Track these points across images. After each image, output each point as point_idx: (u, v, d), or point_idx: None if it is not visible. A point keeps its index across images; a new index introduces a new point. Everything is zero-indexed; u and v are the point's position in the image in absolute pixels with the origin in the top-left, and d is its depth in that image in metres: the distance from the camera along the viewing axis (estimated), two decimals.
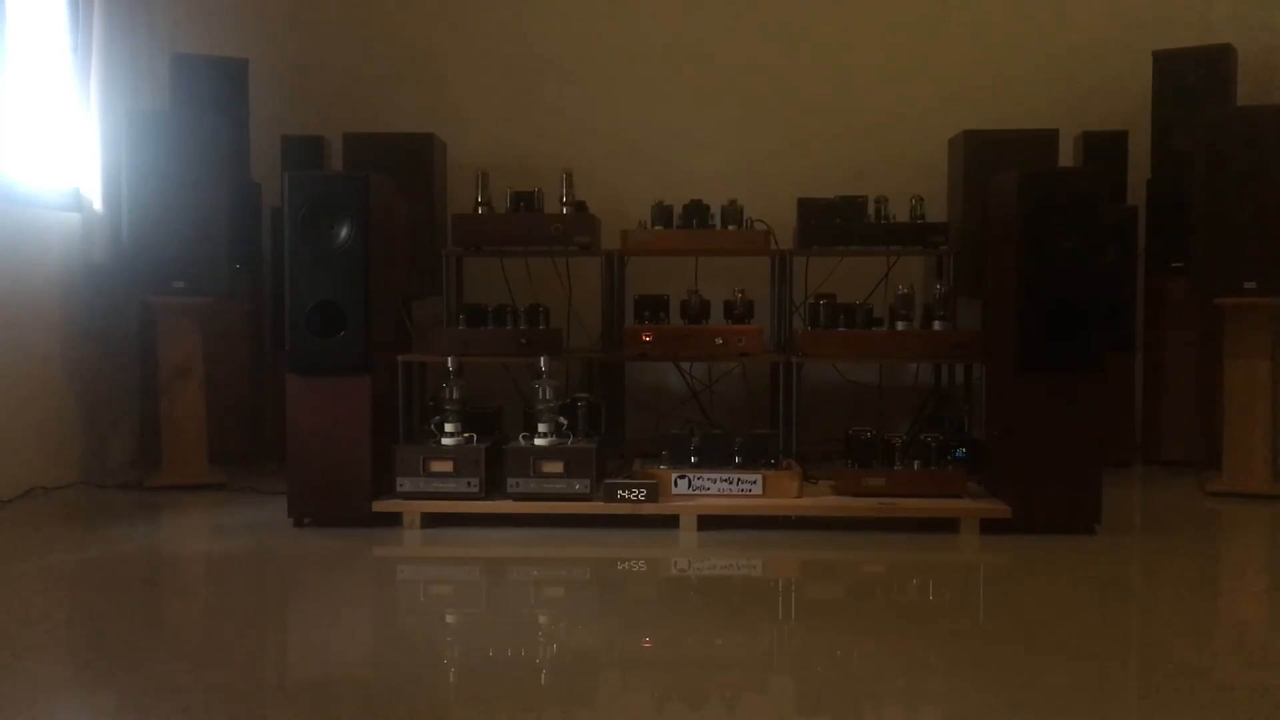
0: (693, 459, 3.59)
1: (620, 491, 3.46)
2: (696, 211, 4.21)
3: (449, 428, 3.56)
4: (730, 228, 4.20)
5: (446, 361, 3.61)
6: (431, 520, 3.51)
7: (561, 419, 3.60)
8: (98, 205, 4.43)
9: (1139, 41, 4.83)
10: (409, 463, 3.51)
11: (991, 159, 4.31)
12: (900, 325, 3.93)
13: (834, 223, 4.29)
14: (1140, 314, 4.80)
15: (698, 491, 3.53)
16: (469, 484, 3.49)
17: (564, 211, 4.26)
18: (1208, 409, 4.44)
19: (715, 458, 3.59)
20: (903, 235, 4.29)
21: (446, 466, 3.50)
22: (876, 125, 5.11)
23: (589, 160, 4.82)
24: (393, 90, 5.19)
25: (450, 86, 5.22)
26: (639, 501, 3.46)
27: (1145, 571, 3.27)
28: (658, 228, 4.20)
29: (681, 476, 3.54)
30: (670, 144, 5.17)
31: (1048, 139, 4.54)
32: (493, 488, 3.53)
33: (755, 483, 3.53)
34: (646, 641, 2.53)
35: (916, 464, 3.55)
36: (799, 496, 3.53)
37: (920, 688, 2.24)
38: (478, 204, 4.28)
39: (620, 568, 3.21)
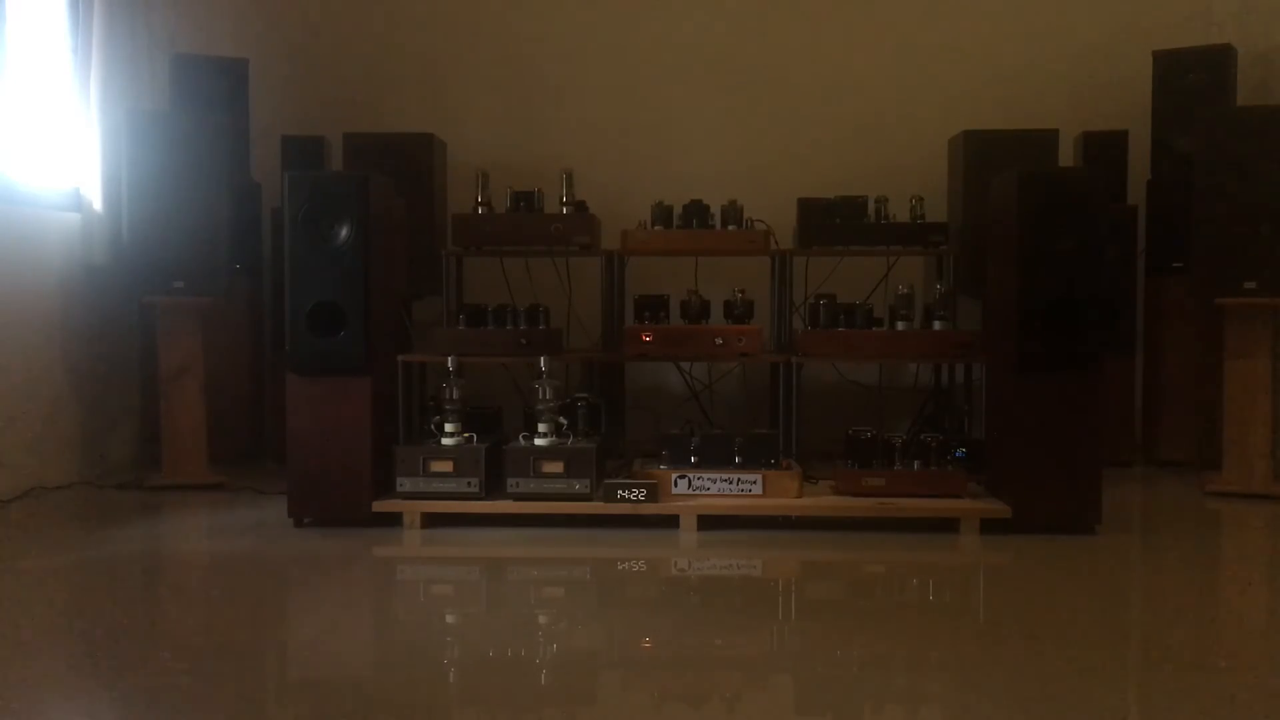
0: (693, 459, 3.59)
1: (620, 491, 3.46)
2: (696, 211, 4.20)
3: (449, 428, 3.56)
4: (730, 228, 4.20)
5: (446, 361, 3.61)
6: (431, 520, 3.51)
7: (561, 419, 3.60)
8: (98, 205, 4.43)
9: (1139, 41, 4.83)
10: (409, 463, 3.51)
11: (991, 159, 4.31)
12: (900, 325, 3.93)
13: (834, 223, 4.29)
14: (1140, 314, 4.80)
15: (698, 491, 3.53)
16: (469, 484, 3.49)
17: (564, 211, 4.26)
18: (1208, 409, 4.43)
19: (715, 458, 3.59)
20: (903, 235, 4.29)
21: (446, 466, 3.50)
22: (876, 125, 5.11)
23: (589, 160, 4.82)
24: (393, 90, 5.19)
25: (450, 86, 5.22)
26: (639, 501, 3.46)
27: (1145, 571, 3.27)
28: (658, 228, 4.20)
29: (681, 476, 3.54)
30: (670, 144, 5.17)
31: (1048, 139, 4.54)
32: (493, 488, 3.53)
33: (755, 483, 3.53)
34: (646, 641, 2.53)
35: (916, 464, 3.55)
36: (799, 496, 3.53)
37: (920, 688, 2.24)
38: (478, 204, 4.28)
39: (620, 568, 3.21)
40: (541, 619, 2.76)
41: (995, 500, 3.49)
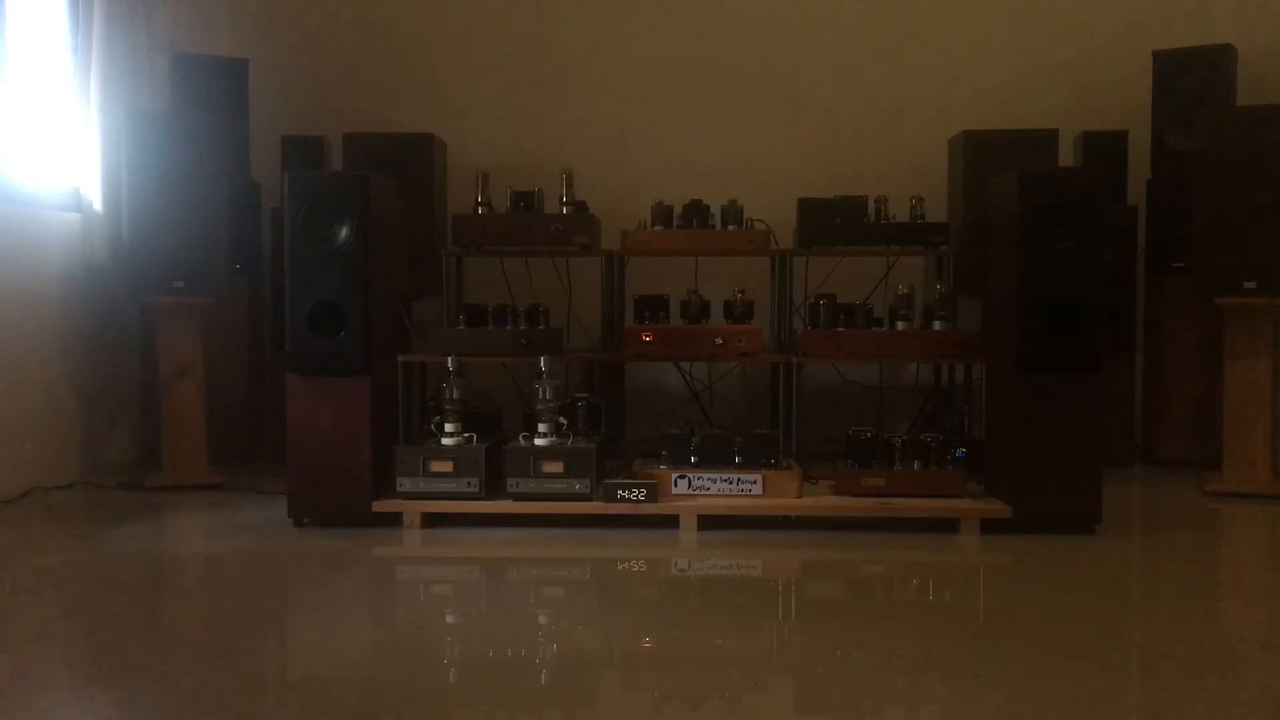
0: (693, 459, 3.59)
1: (620, 491, 3.46)
2: (696, 211, 4.21)
3: (449, 428, 3.56)
4: (730, 228, 4.20)
5: (446, 361, 3.61)
6: (431, 520, 3.51)
7: (561, 419, 3.60)
8: (98, 205, 4.43)
9: (1139, 41, 4.83)
10: (409, 463, 3.51)
11: (991, 159, 4.31)
12: (900, 325, 3.93)
13: (834, 223, 4.28)
14: (1140, 314, 4.80)
15: (698, 491, 3.53)
16: (469, 484, 3.49)
17: (564, 211, 4.26)
18: (1208, 409, 4.43)
19: (715, 458, 3.59)
20: (903, 235, 4.29)
21: (446, 466, 3.50)
22: (877, 125, 5.11)
23: (589, 160, 4.82)
24: (393, 90, 5.19)
25: (450, 86, 5.22)
26: (639, 501, 3.46)
27: (1145, 571, 3.27)
28: (658, 228, 4.20)
29: (681, 476, 3.54)
30: (670, 144, 5.17)
31: (1048, 139, 4.54)
32: (493, 488, 3.53)
33: (755, 483, 3.53)
34: (647, 641, 2.54)
35: (916, 464, 3.55)
36: (799, 496, 3.53)
37: (920, 688, 2.24)
38: (478, 204, 4.28)
39: (620, 568, 3.21)
40: (541, 619, 2.76)
41: (995, 500, 3.49)
